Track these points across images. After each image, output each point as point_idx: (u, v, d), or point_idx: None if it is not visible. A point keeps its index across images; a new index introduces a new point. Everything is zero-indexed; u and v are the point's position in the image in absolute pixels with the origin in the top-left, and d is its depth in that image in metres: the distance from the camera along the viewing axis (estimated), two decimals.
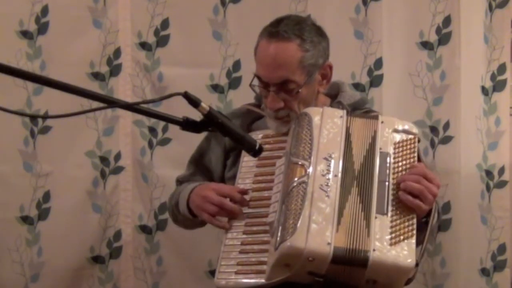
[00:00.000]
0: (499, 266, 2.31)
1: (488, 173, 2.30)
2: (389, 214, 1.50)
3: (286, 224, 1.47)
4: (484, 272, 2.31)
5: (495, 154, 2.31)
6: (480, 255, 2.30)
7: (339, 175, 1.54)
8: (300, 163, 1.55)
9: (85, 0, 2.24)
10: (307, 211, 1.47)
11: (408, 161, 1.59)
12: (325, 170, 1.54)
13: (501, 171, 2.30)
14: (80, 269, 2.29)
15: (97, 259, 2.30)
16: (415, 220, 1.51)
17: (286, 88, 1.69)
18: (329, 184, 1.51)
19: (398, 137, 1.62)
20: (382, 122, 1.63)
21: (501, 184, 2.30)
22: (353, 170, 1.56)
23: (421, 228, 1.54)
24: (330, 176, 1.53)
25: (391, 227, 1.48)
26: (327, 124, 1.62)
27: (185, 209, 1.78)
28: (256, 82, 1.74)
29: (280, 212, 1.52)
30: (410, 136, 1.63)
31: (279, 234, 1.47)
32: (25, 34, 2.21)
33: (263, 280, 1.51)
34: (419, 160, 1.62)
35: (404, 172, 1.57)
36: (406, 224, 1.50)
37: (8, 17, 2.20)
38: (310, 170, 1.53)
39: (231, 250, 1.61)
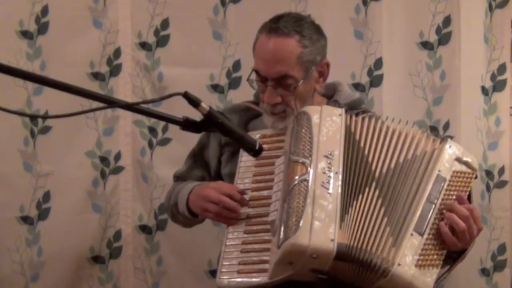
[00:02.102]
0: (499, 266, 2.31)
1: (488, 173, 2.30)
2: (425, 236, 1.49)
3: (288, 222, 1.47)
4: (484, 272, 2.31)
5: (495, 154, 2.31)
6: (480, 255, 2.31)
7: (341, 172, 1.54)
8: (300, 161, 1.55)
9: (85, 0, 2.24)
10: (309, 208, 1.47)
11: (460, 193, 1.57)
12: (326, 167, 1.54)
13: (501, 171, 2.31)
14: (80, 269, 2.28)
15: (97, 259, 2.30)
16: (445, 252, 1.51)
17: (284, 83, 1.70)
18: (330, 182, 1.51)
19: (458, 167, 1.60)
20: (449, 146, 1.61)
21: (501, 184, 2.31)
22: (369, 171, 1.56)
23: (447, 259, 1.54)
24: (332, 173, 1.53)
25: (423, 249, 1.48)
26: (326, 122, 1.62)
27: (185, 210, 1.79)
28: (254, 76, 1.75)
29: (281, 211, 1.52)
30: (470, 171, 1.61)
31: (281, 232, 1.47)
32: (25, 34, 2.20)
33: (265, 279, 1.51)
34: (469, 197, 1.60)
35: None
36: (437, 252, 1.50)
37: (8, 17, 2.19)
38: (311, 168, 1.53)
39: (232, 250, 1.60)
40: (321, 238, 1.44)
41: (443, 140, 1.63)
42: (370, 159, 1.58)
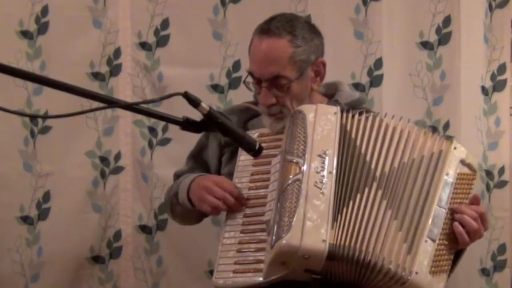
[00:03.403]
0: (499, 266, 2.31)
1: (488, 173, 2.30)
2: (437, 242, 1.50)
3: (281, 222, 1.47)
4: (484, 272, 2.31)
5: (495, 154, 2.31)
6: (480, 255, 2.31)
7: (334, 172, 1.53)
8: (294, 161, 1.55)
9: (85, 0, 2.24)
10: (301, 208, 1.47)
11: (464, 195, 1.58)
12: (319, 167, 1.54)
13: (501, 171, 2.31)
14: (80, 269, 2.28)
15: (97, 259, 2.30)
16: (453, 256, 1.53)
17: (277, 84, 1.71)
18: (323, 181, 1.51)
19: (462, 169, 1.60)
20: (455, 148, 1.61)
21: (501, 184, 2.31)
22: (368, 171, 1.55)
23: None
24: (325, 173, 1.53)
25: (435, 255, 1.48)
26: (321, 121, 1.62)
27: (185, 199, 1.78)
28: (250, 79, 1.76)
29: (275, 210, 1.53)
30: (471, 172, 1.62)
31: (274, 232, 1.48)
32: (25, 34, 2.20)
33: (260, 279, 1.51)
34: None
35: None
36: (447, 257, 1.51)
37: (8, 17, 2.19)
38: (305, 167, 1.54)
39: (228, 250, 1.61)
40: (312, 238, 1.44)
41: (448, 139, 1.63)
42: (368, 158, 1.58)
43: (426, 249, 1.47)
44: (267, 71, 1.70)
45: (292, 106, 1.72)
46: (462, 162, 1.61)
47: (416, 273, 1.44)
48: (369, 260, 1.45)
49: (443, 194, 1.54)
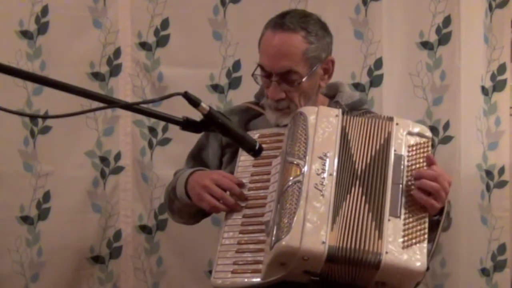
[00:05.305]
0: (499, 266, 2.31)
1: (488, 173, 2.30)
2: (402, 217, 1.50)
3: (281, 223, 1.48)
4: (484, 272, 2.31)
5: (495, 154, 2.31)
6: (480, 255, 2.31)
7: (335, 174, 1.54)
8: (295, 162, 1.56)
9: (85, 0, 2.24)
10: (301, 210, 1.48)
11: (421, 164, 1.59)
12: (320, 169, 1.54)
13: (501, 171, 2.31)
14: (80, 269, 2.28)
15: (97, 259, 2.30)
16: (427, 223, 1.52)
17: (288, 79, 1.71)
18: (324, 183, 1.52)
19: (412, 140, 1.62)
20: (397, 124, 1.63)
21: (501, 184, 2.31)
22: (353, 170, 1.56)
23: (432, 227, 1.55)
24: (325, 175, 1.53)
25: (404, 230, 1.49)
26: (322, 123, 1.62)
27: (183, 193, 1.77)
28: (258, 72, 1.76)
29: (275, 212, 1.53)
30: (424, 140, 1.63)
31: (274, 233, 1.48)
32: (25, 34, 2.20)
33: (259, 279, 1.51)
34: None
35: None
36: (419, 227, 1.51)
37: (8, 17, 2.19)
38: (305, 169, 1.54)
39: (227, 250, 1.61)
40: (312, 240, 1.44)
41: (389, 119, 1.64)
42: (354, 158, 1.59)
43: (392, 228, 1.48)
44: (280, 65, 1.70)
45: (300, 102, 1.73)
46: (410, 133, 1.62)
47: (386, 252, 1.44)
48: (360, 258, 1.45)
49: (396, 171, 1.56)
